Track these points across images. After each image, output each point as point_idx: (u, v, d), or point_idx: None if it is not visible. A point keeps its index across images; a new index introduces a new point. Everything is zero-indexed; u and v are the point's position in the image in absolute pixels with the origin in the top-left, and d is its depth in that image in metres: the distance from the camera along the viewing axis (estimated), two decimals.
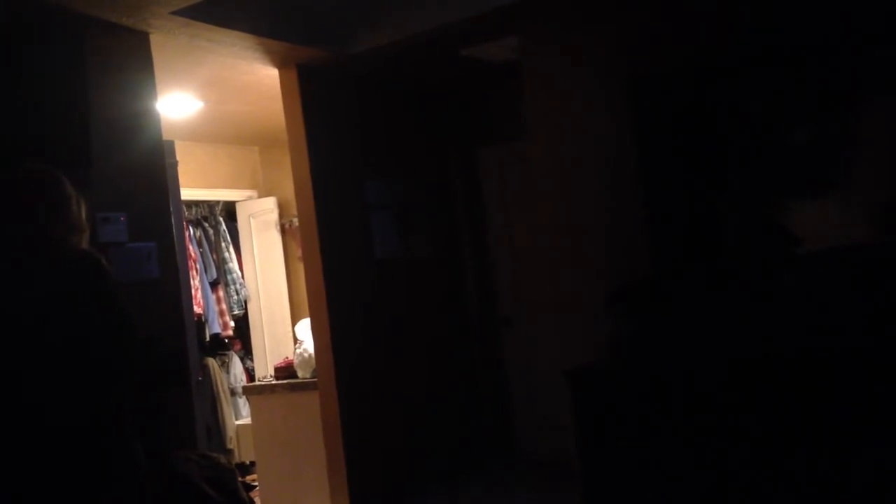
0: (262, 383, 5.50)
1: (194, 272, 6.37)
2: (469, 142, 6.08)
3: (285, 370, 5.31)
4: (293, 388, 5.17)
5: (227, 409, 6.58)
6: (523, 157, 4.95)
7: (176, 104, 5.33)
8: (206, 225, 6.88)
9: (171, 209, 4.09)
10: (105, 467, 2.21)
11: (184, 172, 5.03)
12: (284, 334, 6.76)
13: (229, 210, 7.11)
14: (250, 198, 7.07)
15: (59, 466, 2.16)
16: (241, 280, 6.96)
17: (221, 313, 6.75)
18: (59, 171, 2.38)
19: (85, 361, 2.20)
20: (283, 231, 6.94)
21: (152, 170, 3.98)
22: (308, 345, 5.15)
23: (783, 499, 3.17)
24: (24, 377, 2.16)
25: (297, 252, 6.57)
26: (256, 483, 5.43)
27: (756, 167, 3.82)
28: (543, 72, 4.44)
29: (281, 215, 6.92)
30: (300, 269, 6.21)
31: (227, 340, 6.94)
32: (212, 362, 6.62)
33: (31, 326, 2.16)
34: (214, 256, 6.84)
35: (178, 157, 4.74)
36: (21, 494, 2.14)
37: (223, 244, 6.93)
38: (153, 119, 4.03)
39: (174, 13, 3.77)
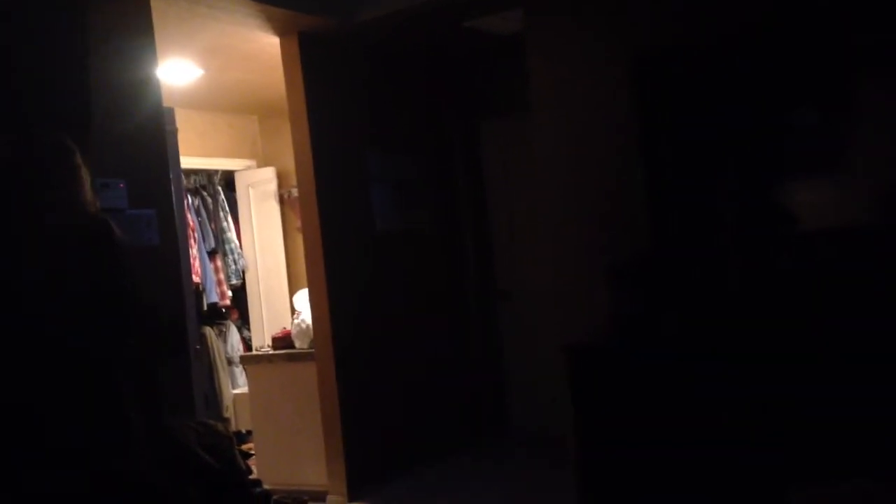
0: (260, 353, 5.51)
1: (192, 241, 6.35)
2: (471, 115, 6.05)
3: (283, 340, 5.32)
4: (291, 358, 5.18)
5: (224, 379, 6.60)
6: (525, 131, 4.92)
7: (176, 71, 5.29)
8: (205, 194, 6.86)
9: (171, 177, 4.07)
10: (101, 436, 2.22)
11: (183, 140, 4.99)
12: (282, 305, 6.77)
13: (228, 179, 7.08)
14: (249, 167, 7.04)
15: (61, 428, 2.17)
16: (240, 250, 6.96)
17: (219, 283, 6.75)
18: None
19: (92, 327, 2.21)
20: (282, 201, 6.92)
21: (152, 136, 3.95)
22: (306, 315, 5.15)
23: (780, 475, 3.20)
24: (33, 344, 2.16)
25: (296, 222, 6.56)
26: (253, 451, 5.46)
27: (756, 146, 3.81)
28: (546, 45, 4.41)
29: (280, 185, 6.90)
30: (298, 239, 6.20)
31: (224, 310, 6.95)
32: (209, 331, 6.63)
33: (47, 291, 2.17)
34: (213, 226, 6.82)
35: (178, 124, 4.71)
36: (19, 460, 2.14)
37: (221, 213, 6.92)
38: (153, 85, 3.99)
39: None
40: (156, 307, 2.67)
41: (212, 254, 6.73)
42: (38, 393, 2.16)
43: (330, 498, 4.87)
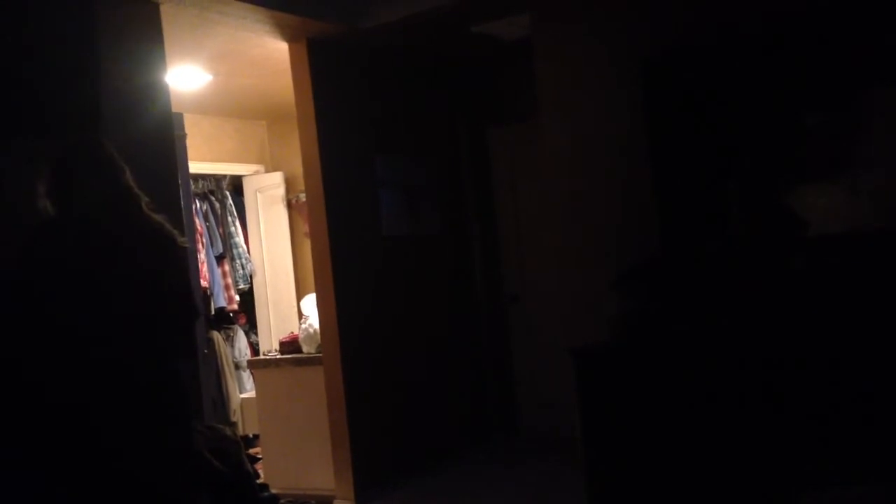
0: (267, 357, 5.51)
1: (200, 246, 6.37)
2: (479, 119, 6.06)
3: (290, 345, 5.33)
4: (298, 362, 5.19)
5: (231, 383, 6.61)
6: (533, 134, 4.93)
7: (185, 76, 5.31)
8: (213, 199, 6.88)
9: (180, 182, 4.08)
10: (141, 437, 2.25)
11: (191, 146, 5.02)
12: (289, 309, 6.78)
13: (236, 184, 7.11)
14: (257, 172, 7.06)
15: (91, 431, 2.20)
16: (247, 255, 6.97)
17: (227, 287, 6.77)
18: None
19: (152, 329, 2.27)
20: (290, 206, 6.93)
21: (161, 141, 3.96)
22: (313, 320, 5.16)
23: (786, 475, 3.19)
24: (98, 343, 2.21)
25: (304, 227, 6.57)
26: (260, 456, 5.46)
27: (765, 149, 3.80)
28: (553, 50, 4.41)
29: (288, 190, 6.91)
30: (306, 244, 6.21)
31: (232, 314, 6.96)
32: (217, 336, 6.64)
33: (122, 295, 2.23)
34: (220, 230, 6.84)
35: (186, 129, 4.73)
36: (35, 461, 2.16)
37: (229, 218, 6.94)
38: (162, 91, 4.01)
39: None
40: (197, 311, 2.73)
41: (220, 258, 6.75)
42: (101, 393, 2.20)
43: (337, 502, 4.87)
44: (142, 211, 2.41)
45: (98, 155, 2.42)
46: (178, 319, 2.38)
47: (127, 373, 2.22)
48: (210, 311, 6.52)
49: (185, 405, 2.36)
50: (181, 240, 2.43)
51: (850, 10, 3.55)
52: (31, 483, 2.14)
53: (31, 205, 2.38)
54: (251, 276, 6.98)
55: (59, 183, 2.34)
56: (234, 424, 6.39)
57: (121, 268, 2.27)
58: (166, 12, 4.02)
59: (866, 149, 3.61)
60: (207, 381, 4.89)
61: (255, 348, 7.05)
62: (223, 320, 6.91)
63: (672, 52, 3.94)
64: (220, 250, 6.77)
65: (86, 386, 2.18)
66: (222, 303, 6.67)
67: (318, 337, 5.05)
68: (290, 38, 4.84)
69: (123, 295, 2.24)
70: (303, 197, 5.83)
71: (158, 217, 2.46)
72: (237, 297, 6.85)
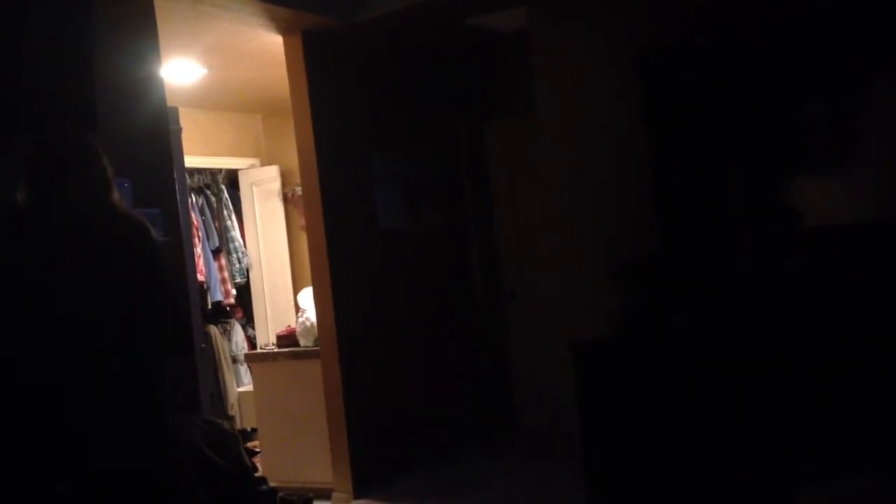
0: (265, 351, 5.52)
1: (196, 240, 6.36)
2: (476, 114, 6.05)
3: (287, 338, 5.33)
4: (295, 356, 5.19)
5: (228, 377, 6.62)
6: (530, 129, 4.92)
7: (179, 70, 5.29)
8: (209, 192, 6.87)
9: (175, 176, 4.07)
10: (130, 433, 2.24)
11: (186, 140, 5.01)
12: (286, 303, 6.78)
13: (231, 178, 7.09)
14: (253, 166, 7.05)
15: (79, 431, 2.18)
16: (244, 248, 6.97)
17: (223, 281, 6.76)
18: None
19: (130, 323, 2.25)
20: (286, 200, 6.92)
21: (156, 136, 3.96)
22: (310, 313, 5.16)
23: (784, 472, 3.20)
24: (75, 334, 2.20)
25: (300, 221, 6.56)
26: (258, 449, 5.47)
27: (763, 141, 3.81)
28: (550, 43, 4.40)
29: (283, 184, 6.90)
30: (302, 237, 6.20)
31: (228, 308, 6.96)
32: (214, 330, 6.64)
33: (88, 287, 2.21)
34: (216, 224, 6.83)
35: (181, 123, 4.71)
36: (34, 460, 2.15)
37: (225, 212, 6.93)
38: (157, 85, 4.00)
39: None
40: (177, 305, 2.71)
41: (216, 252, 6.75)
42: (71, 376, 2.18)
43: (335, 495, 4.88)
44: (118, 204, 2.39)
45: (86, 145, 2.40)
46: (157, 314, 2.35)
47: (98, 363, 2.21)
48: (207, 305, 6.52)
49: (156, 397, 2.34)
50: (156, 232, 2.40)
51: (849, 3, 3.55)
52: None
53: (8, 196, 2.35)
54: (248, 270, 6.98)
55: (45, 173, 2.31)
56: (231, 418, 6.39)
57: (103, 259, 2.25)
58: (160, 6, 4.00)
59: (865, 142, 3.61)
60: (205, 375, 4.87)
61: (252, 342, 7.05)
62: (220, 314, 6.91)
63: (670, 46, 3.93)
64: (217, 244, 6.76)
65: (58, 369, 2.17)
66: (219, 297, 6.67)
67: (315, 330, 5.05)
68: (285, 31, 4.82)
69: (102, 286, 2.23)
70: (299, 191, 5.82)
71: (131, 211, 2.45)
72: (234, 291, 6.85)
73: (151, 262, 2.36)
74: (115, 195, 2.41)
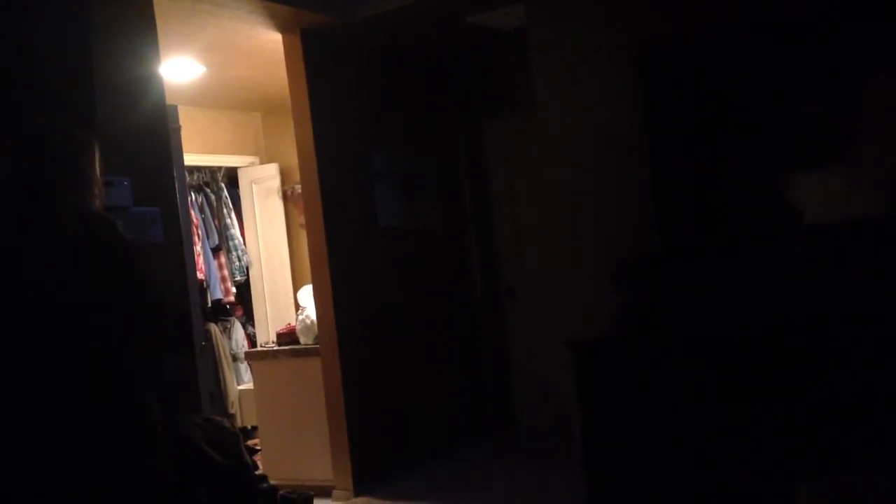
0: (265, 349, 5.52)
1: (196, 238, 6.36)
2: (475, 111, 6.04)
3: (287, 336, 5.33)
4: (295, 353, 5.19)
5: (228, 375, 6.62)
6: (530, 127, 4.92)
7: (179, 68, 5.29)
8: (208, 191, 6.87)
9: (175, 174, 4.07)
10: (120, 434, 2.22)
11: (186, 138, 5.00)
12: (286, 301, 6.78)
13: (231, 176, 7.09)
14: (252, 164, 7.05)
15: (73, 432, 2.17)
16: (243, 246, 6.97)
17: (223, 279, 6.77)
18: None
19: (101, 325, 2.20)
20: (286, 198, 6.92)
21: (156, 134, 3.95)
22: (310, 311, 5.16)
23: (783, 467, 3.20)
24: (39, 341, 2.16)
25: (299, 219, 6.56)
26: (259, 447, 5.47)
27: (762, 139, 3.80)
28: (549, 40, 4.40)
29: (283, 182, 6.90)
30: (302, 235, 6.20)
31: (228, 306, 6.96)
32: (214, 328, 6.65)
33: (51, 291, 2.16)
34: (216, 222, 6.83)
35: (181, 121, 4.71)
36: (31, 461, 2.15)
37: (225, 210, 6.93)
38: (157, 83, 3.99)
39: None
40: (163, 304, 2.67)
41: (216, 250, 6.75)
42: (45, 410, 2.15)
43: (336, 493, 4.89)
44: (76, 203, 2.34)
45: (74, 136, 2.36)
46: (142, 312, 2.30)
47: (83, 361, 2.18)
48: (207, 303, 6.52)
49: (155, 396, 2.31)
50: (123, 231, 2.32)
51: (849, 2, 3.55)
52: None
53: None
54: (247, 268, 6.98)
55: (28, 163, 2.26)
56: (232, 416, 6.40)
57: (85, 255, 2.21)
58: (159, 4, 4.00)
59: (865, 139, 3.61)
60: (205, 373, 4.88)
61: (252, 340, 7.05)
62: (220, 312, 6.91)
63: (670, 44, 3.93)
64: (216, 242, 6.76)
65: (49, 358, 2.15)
66: (219, 295, 6.67)
67: (315, 328, 5.06)
68: (284, 29, 4.82)
69: (70, 282, 2.18)
70: (298, 188, 5.82)
71: (91, 210, 2.39)
72: (234, 289, 6.85)
73: (118, 262, 2.28)
74: (95, 193, 2.31)
